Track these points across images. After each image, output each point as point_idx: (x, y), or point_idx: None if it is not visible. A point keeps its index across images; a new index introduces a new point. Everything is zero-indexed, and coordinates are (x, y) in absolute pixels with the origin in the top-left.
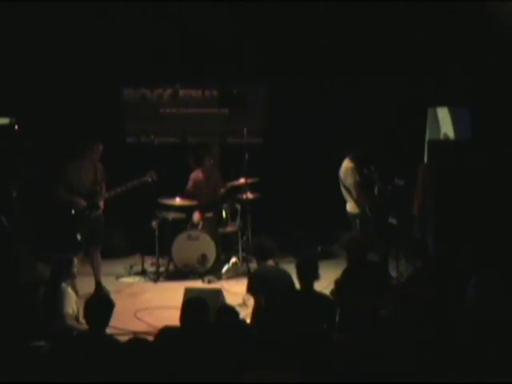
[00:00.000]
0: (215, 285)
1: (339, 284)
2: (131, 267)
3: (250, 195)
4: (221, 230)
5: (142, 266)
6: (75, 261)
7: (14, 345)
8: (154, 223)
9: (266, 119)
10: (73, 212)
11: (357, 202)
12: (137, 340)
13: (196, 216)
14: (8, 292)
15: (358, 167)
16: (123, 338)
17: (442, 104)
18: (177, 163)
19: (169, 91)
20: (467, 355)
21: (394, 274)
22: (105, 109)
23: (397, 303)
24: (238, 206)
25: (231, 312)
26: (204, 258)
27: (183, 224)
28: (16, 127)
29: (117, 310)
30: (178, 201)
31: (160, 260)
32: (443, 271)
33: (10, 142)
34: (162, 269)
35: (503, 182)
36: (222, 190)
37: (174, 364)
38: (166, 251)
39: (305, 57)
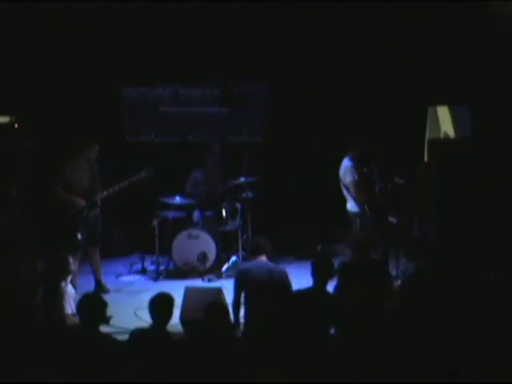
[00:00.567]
0: (215, 283)
1: (340, 282)
2: (131, 266)
3: (249, 194)
4: (221, 228)
5: (142, 264)
6: (70, 258)
7: (14, 344)
8: (154, 222)
9: (265, 119)
10: (72, 212)
11: (356, 200)
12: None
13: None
14: (8, 292)
15: (358, 166)
16: (123, 337)
17: (442, 103)
18: (177, 162)
19: (169, 90)
20: (467, 355)
21: (394, 272)
22: (105, 108)
23: (398, 303)
24: (238, 205)
25: (222, 309)
26: (204, 256)
27: (183, 223)
28: (16, 126)
29: (117, 309)
30: (178, 200)
31: (160, 259)
32: (444, 271)
33: (10, 140)
34: (162, 267)
35: (504, 180)
36: (221, 188)
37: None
38: (166, 250)
39: (305, 57)
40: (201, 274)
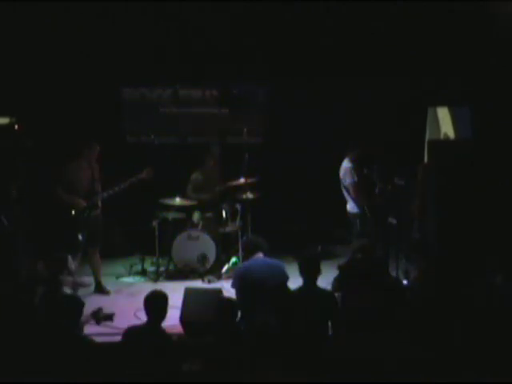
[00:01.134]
0: (215, 285)
1: (340, 280)
2: (131, 267)
3: (249, 195)
4: (221, 229)
5: (142, 265)
6: (69, 258)
7: (13, 345)
8: (154, 223)
9: (266, 119)
10: (73, 212)
11: (356, 201)
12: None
13: (196, 215)
14: (8, 292)
15: (358, 167)
16: None
17: (442, 104)
18: (177, 163)
19: (169, 91)
20: (467, 355)
21: (394, 273)
22: (105, 108)
23: (400, 303)
24: (238, 206)
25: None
26: (204, 257)
27: (183, 224)
28: (16, 127)
29: (117, 310)
30: (178, 201)
31: (160, 260)
32: (444, 271)
33: (10, 141)
34: (162, 269)
35: (504, 181)
36: (220, 188)
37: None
38: (166, 251)
39: (305, 57)
40: (201, 275)
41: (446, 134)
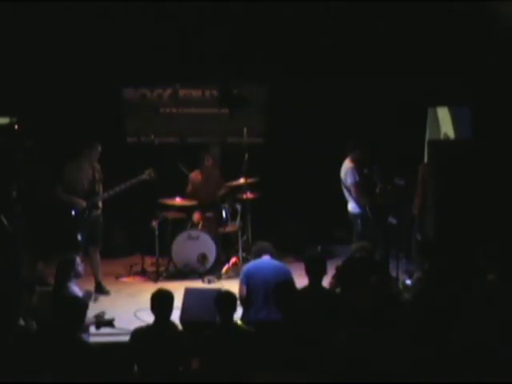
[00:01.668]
0: (215, 285)
1: (339, 280)
2: (131, 267)
3: (250, 195)
4: (221, 229)
5: (142, 265)
6: (78, 260)
7: (11, 345)
8: (154, 223)
9: (266, 119)
10: (73, 213)
11: (357, 201)
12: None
13: (196, 216)
14: (8, 292)
15: (359, 167)
16: (123, 338)
17: (442, 104)
18: (177, 163)
19: (169, 91)
20: (468, 355)
21: (394, 273)
22: (105, 108)
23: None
24: (238, 206)
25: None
26: (204, 257)
27: (183, 224)
28: (16, 127)
29: (117, 310)
30: (177, 201)
31: (160, 260)
32: (444, 271)
33: (10, 141)
34: (161, 269)
35: (504, 181)
36: (222, 191)
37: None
38: (166, 251)
39: (305, 57)
40: (201, 275)
41: (445, 134)
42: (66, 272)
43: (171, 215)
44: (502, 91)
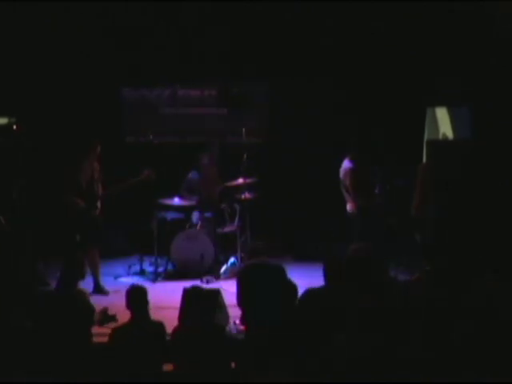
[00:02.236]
0: (214, 285)
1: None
2: (130, 267)
3: (248, 195)
4: (219, 230)
5: (141, 265)
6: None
7: (11, 345)
8: (153, 223)
9: (265, 119)
10: (72, 213)
11: (356, 202)
12: None
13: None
14: (7, 292)
15: (358, 168)
16: None
17: (441, 104)
18: (176, 163)
19: (168, 91)
20: (468, 355)
21: (393, 273)
22: (104, 108)
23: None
24: (237, 206)
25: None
26: (202, 258)
27: (182, 224)
28: (15, 127)
29: (115, 310)
30: (176, 201)
31: (159, 260)
32: (444, 271)
33: (10, 141)
34: (160, 269)
35: (503, 181)
36: (218, 189)
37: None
38: (164, 251)
39: (305, 57)
40: (199, 276)
41: (444, 135)
42: (76, 272)
43: (170, 215)
44: (502, 91)
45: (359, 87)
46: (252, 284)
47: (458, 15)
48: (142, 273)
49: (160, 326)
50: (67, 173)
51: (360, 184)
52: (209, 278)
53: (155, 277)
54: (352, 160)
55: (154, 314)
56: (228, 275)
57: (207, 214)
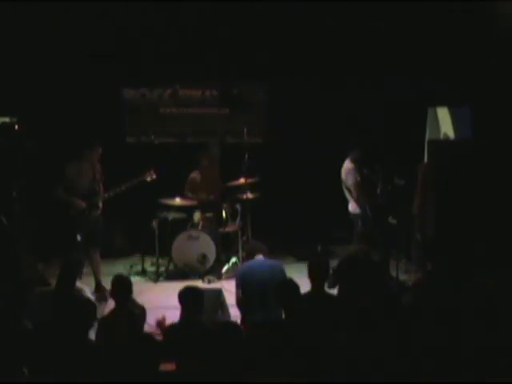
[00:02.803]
0: (215, 285)
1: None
2: (131, 267)
3: (249, 195)
4: (221, 229)
5: (142, 265)
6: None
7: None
8: (154, 223)
9: (265, 119)
10: (72, 213)
11: (357, 202)
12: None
13: (197, 215)
14: (7, 292)
15: (359, 167)
16: None
17: (442, 104)
18: (177, 163)
19: (169, 91)
20: (468, 355)
21: (394, 273)
22: (105, 108)
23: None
24: (238, 206)
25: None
26: (204, 257)
27: (183, 224)
28: (16, 127)
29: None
30: (178, 201)
31: (160, 260)
32: (445, 271)
33: (11, 141)
34: (162, 269)
35: (503, 181)
36: (219, 189)
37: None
38: (166, 251)
39: (305, 57)
40: (201, 275)
41: (445, 134)
42: (72, 272)
43: (171, 215)
44: (502, 91)
45: (360, 87)
46: (250, 283)
47: (459, 15)
48: (143, 273)
49: (140, 313)
50: (68, 173)
51: (361, 184)
52: (210, 277)
53: (156, 277)
54: (353, 160)
55: (156, 314)
56: (229, 275)
57: (208, 214)
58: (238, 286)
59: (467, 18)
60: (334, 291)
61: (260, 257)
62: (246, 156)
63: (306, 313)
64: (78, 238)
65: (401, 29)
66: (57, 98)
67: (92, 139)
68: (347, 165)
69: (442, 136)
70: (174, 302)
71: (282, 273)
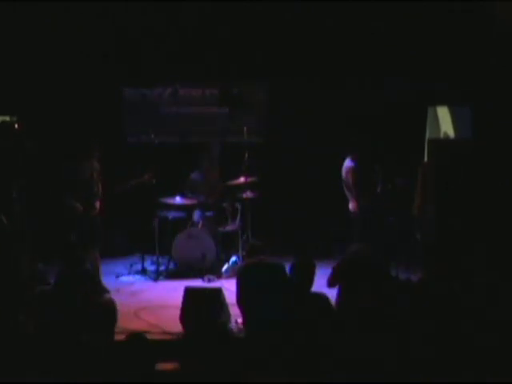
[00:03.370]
0: (215, 284)
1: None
2: (131, 266)
3: (249, 194)
4: (221, 229)
5: (142, 264)
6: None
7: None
8: (154, 222)
9: (266, 119)
10: (72, 213)
11: (358, 201)
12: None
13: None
14: (7, 292)
15: (360, 167)
16: (122, 337)
17: (442, 103)
18: (177, 163)
19: (169, 90)
20: (468, 355)
21: (393, 273)
22: (105, 108)
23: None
24: (238, 205)
25: None
26: (204, 257)
27: (183, 223)
28: (16, 126)
29: (117, 309)
30: (178, 200)
31: (160, 259)
32: (445, 271)
33: (10, 141)
34: (162, 268)
35: (504, 181)
36: (219, 188)
37: None
38: (166, 250)
39: (305, 57)
40: (201, 275)
41: (445, 134)
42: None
43: (171, 214)
44: (502, 91)
45: (360, 87)
46: (251, 283)
47: (459, 15)
48: (143, 272)
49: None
50: (67, 173)
51: (362, 183)
52: (210, 276)
53: (157, 276)
54: (353, 159)
55: (156, 313)
56: (230, 274)
57: (208, 213)
58: (238, 285)
59: (467, 18)
60: (334, 291)
61: (260, 256)
62: (246, 155)
63: (306, 313)
64: (73, 237)
65: (401, 29)
66: (57, 98)
67: (91, 139)
68: (348, 164)
69: (442, 135)
70: (175, 301)
71: (283, 272)
